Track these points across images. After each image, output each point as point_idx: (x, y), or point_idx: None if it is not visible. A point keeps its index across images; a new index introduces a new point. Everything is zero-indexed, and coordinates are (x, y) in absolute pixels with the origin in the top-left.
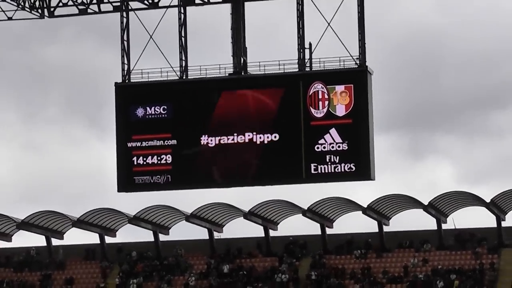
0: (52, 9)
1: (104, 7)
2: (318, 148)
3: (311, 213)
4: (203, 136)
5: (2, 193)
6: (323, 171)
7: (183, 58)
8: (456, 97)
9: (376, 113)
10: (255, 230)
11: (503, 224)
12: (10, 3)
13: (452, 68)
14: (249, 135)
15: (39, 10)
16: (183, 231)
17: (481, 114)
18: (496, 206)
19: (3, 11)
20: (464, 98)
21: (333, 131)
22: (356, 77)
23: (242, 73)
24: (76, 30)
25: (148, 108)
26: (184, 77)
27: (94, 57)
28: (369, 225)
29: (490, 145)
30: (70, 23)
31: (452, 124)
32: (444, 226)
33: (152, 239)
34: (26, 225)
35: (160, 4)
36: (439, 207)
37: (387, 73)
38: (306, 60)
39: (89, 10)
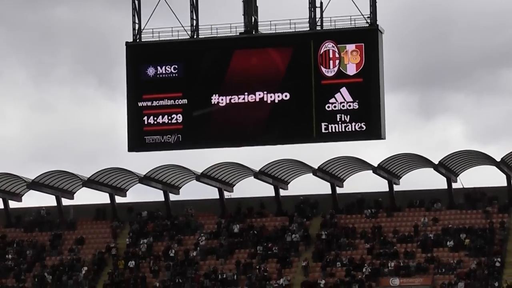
0: None
1: None
2: (328, 107)
3: (322, 172)
4: (214, 95)
5: (13, 153)
6: (333, 130)
7: (194, 17)
8: (466, 56)
9: (386, 72)
10: (266, 190)
11: None
12: None
13: (462, 27)
14: (259, 94)
15: None
16: (194, 191)
17: (491, 73)
18: (507, 165)
19: None
20: (474, 56)
21: (343, 90)
22: (367, 36)
23: (253, 32)
24: None
25: (159, 68)
26: (195, 37)
27: (104, 16)
28: (379, 184)
29: (500, 103)
30: None
31: (462, 82)
32: (454, 185)
33: (162, 198)
34: (37, 185)
35: None
36: (449, 166)
37: (397, 32)
38: (317, 19)
39: None
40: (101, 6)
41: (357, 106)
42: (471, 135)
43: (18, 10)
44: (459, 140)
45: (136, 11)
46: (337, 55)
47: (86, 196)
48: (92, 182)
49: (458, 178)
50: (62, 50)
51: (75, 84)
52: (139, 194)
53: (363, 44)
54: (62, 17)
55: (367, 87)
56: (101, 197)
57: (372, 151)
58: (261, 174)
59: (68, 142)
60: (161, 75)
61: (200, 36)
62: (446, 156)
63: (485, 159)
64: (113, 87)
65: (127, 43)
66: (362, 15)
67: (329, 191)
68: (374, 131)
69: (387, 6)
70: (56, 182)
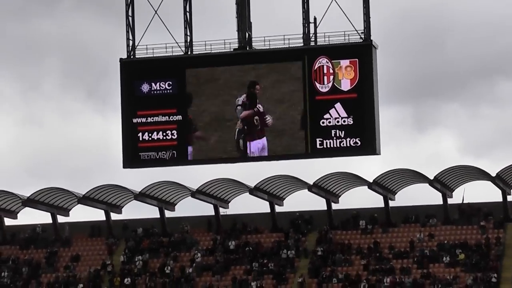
0: None
1: None
2: (323, 122)
3: (317, 188)
4: None
5: (6, 169)
6: (328, 146)
7: (188, 33)
8: (460, 66)
9: (380, 86)
10: (261, 206)
11: (509, 198)
12: None
13: (456, 36)
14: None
15: None
16: (189, 207)
17: (487, 83)
18: (502, 180)
19: None
20: (469, 66)
21: (338, 105)
22: (361, 52)
23: (247, 48)
24: (76, 3)
25: (153, 84)
26: (189, 53)
27: (95, 31)
28: (375, 200)
29: (496, 115)
30: None
31: (457, 93)
32: (450, 201)
33: (157, 215)
34: (32, 202)
35: None
36: (444, 182)
37: (390, 43)
38: (311, 35)
39: None
40: (88, 20)
41: (351, 122)
42: (465, 148)
43: (4, 23)
44: (453, 153)
45: (130, 27)
46: (331, 71)
47: (81, 213)
48: (87, 199)
49: (461, 191)
50: (52, 64)
51: (64, 99)
52: (134, 210)
53: (357, 59)
54: (50, 31)
55: (362, 103)
56: (96, 214)
57: (367, 167)
58: (257, 190)
59: (61, 158)
60: (155, 92)
61: (194, 52)
62: (441, 171)
63: (481, 174)
64: (107, 103)
65: (121, 59)
66: (356, 30)
67: (325, 207)
68: (369, 146)
69: (380, 17)
70: (52, 199)
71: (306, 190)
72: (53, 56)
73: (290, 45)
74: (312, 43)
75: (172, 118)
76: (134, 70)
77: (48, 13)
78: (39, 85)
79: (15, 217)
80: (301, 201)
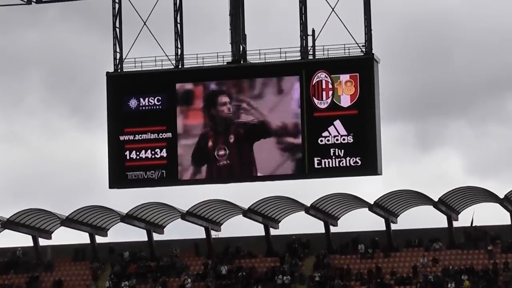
0: None
1: None
2: (321, 141)
3: (315, 210)
4: None
5: None
6: (327, 166)
7: (179, 46)
8: (468, 80)
9: (382, 102)
10: (255, 229)
11: None
12: None
13: (463, 51)
14: None
15: None
16: (179, 230)
17: (496, 98)
18: (510, 202)
19: None
20: (477, 81)
21: (337, 123)
22: (362, 66)
23: (242, 62)
24: (60, 13)
25: (141, 99)
26: (180, 66)
27: (81, 43)
28: (376, 223)
29: (505, 133)
30: (54, 7)
31: (463, 109)
32: (455, 224)
33: (145, 238)
34: (12, 224)
35: None
36: (449, 204)
37: (393, 58)
38: (309, 48)
39: None
40: (72, 31)
41: (351, 140)
42: (471, 168)
43: None
44: (458, 174)
45: (118, 39)
46: (330, 86)
47: (64, 236)
48: (70, 221)
49: (472, 215)
50: (34, 78)
51: (47, 114)
52: (120, 233)
53: (358, 74)
54: (34, 43)
55: (362, 120)
56: (80, 237)
57: (368, 188)
58: (250, 212)
59: (43, 177)
60: (144, 107)
61: (185, 66)
62: (446, 192)
63: (488, 196)
64: (90, 118)
65: (107, 73)
66: (357, 43)
67: (323, 230)
68: (370, 166)
69: (382, 29)
70: (33, 221)
71: (303, 212)
72: (36, 69)
73: (287, 59)
74: (310, 57)
75: (161, 135)
76: (121, 85)
77: (31, 24)
78: (20, 100)
79: None
80: (297, 224)
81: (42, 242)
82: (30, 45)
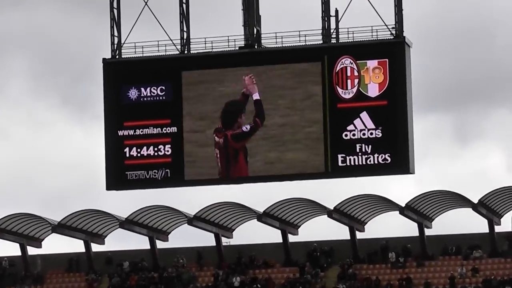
0: None
1: None
2: (346, 135)
3: (338, 213)
4: None
5: None
6: (352, 163)
7: (185, 29)
8: (511, 68)
9: (414, 91)
10: (272, 235)
11: None
12: None
13: (507, 33)
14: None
15: None
16: (185, 237)
17: None
18: None
19: None
20: None
21: (364, 115)
22: (392, 51)
23: (256, 47)
24: None
25: (143, 89)
26: (186, 52)
27: (72, 26)
28: (407, 228)
29: None
30: None
31: (507, 99)
32: (497, 229)
33: (147, 246)
34: None
35: None
36: (491, 206)
37: (427, 42)
38: (331, 30)
39: None
40: (63, 12)
41: (380, 134)
42: None
43: None
44: (500, 172)
45: (115, 21)
46: (356, 73)
47: (56, 244)
48: (63, 227)
49: None
50: (15, 65)
51: (34, 106)
52: (119, 241)
53: (387, 60)
54: (16, 26)
55: (393, 111)
56: (74, 245)
57: (399, 188)
58: (266, 217)
59: (31, 178)
60: (145, 98)
61: (191, 52)
62: (488, 193)
63: None
64: (83, 110)
65: (104, 60)
66: (386, 25)
67: (348, 236)
68: (401, 164)
69: (413, 12)
70: (21, 228)
71: (326, 216)
72: (20, 55)
73: (307, 43)
74: (333, 40)
75: (165, 130)
76: (119, 73)
77: (14, 4)
78: (2, 90)
79: None
80: (319, 230)
81: (31, 251)
82: (13, 27)
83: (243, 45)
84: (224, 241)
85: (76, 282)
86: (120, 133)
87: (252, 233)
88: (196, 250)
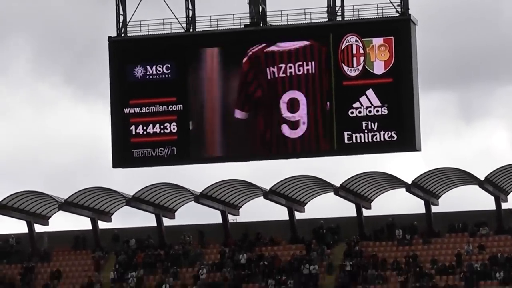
0: None
1: None
2: (352, 113)
3: (345, 191)
4: None
5: None
6: (358, 141)
7: (190, 7)
8: None
9: (420, 68)
10: (278, 212)
11: None
12: None
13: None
14: None
15: None
16: (192, 214)
17: None
18: None
19: None
20: None
21: (370, 92)
22: (397, 28)
23: (261, 24)
24: None
25: (148, 67)
26: (191, 30)
27: (77, 3)
28: (414, 205)
29: None
30: None
31: None
32: (504, 206)
33: (154, 224)
34: (4, 208)
35: None
36: (497, 183)
37: (433, 19)
38: (337, 8)
39: None
40: None
41: (386, 112)
42: None
43: None
44: (507, 149)
45: (121, 0)
46: (361, 51)
47: (63, 222)
48: (70, 205)
49: None
50: (18, 44)
51: (37, 85)
52: (126, 218)
53: (393, 37)
54: (17, 3)
55: (398, 89)
56: (81, 223)
57: (405, 165)
58: (272, 194)
59: (37, 156)
60: (151, 76)
61: (197, 30)
62: (494, 170)
63: None
64: (87, 88)
65: (110, 38)
66: (392, 3)
67: (354, 214)
68: (407, 141)
69: None
70: (27, 205)
71: (332, 193)
72: (24, 34)
73: (312, 21)
74: (339, 18)
75: (171, 107)
76: (125, 51)
77: None
78: (5, 70)
79: None
80: (325, 207)
81: (38, 228)
82: (16, 4)
83: (248, 23)
84: (231, 218)
85: (83, 260)
86: (126, 111)
87: (259, 211)
88: (198, 230)
